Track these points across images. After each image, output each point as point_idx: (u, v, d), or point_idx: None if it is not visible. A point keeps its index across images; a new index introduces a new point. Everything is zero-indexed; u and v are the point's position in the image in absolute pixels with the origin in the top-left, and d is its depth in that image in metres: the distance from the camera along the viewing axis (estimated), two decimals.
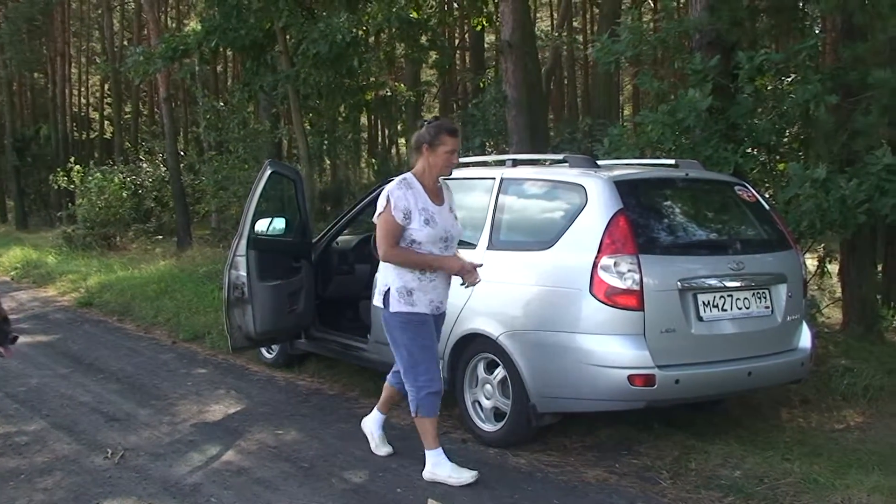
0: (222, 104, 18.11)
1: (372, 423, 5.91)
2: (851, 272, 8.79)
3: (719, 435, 5.83)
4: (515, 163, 6.62)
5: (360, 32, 13.72)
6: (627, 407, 5.49)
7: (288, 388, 7.74)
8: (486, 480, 5.28)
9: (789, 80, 8.10)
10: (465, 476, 5.21)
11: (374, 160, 24.48)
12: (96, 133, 38.90)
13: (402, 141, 29.76)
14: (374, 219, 5.27)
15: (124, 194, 20.29)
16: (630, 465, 5.50)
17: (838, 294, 9.61)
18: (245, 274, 7.11)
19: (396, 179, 5.34)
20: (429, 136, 5.25)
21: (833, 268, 9.82)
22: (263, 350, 8.50)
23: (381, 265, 5.34)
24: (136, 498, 5.03)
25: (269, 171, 7.26)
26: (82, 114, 39.51)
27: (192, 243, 18.01)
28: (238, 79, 22.64)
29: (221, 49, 15.43)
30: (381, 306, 5.31)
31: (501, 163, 6.76)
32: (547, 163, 7.18)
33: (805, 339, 6.07)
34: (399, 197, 5.17)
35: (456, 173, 7.16)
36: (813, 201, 6.89)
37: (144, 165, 22.88)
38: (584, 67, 33.36)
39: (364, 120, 25.90)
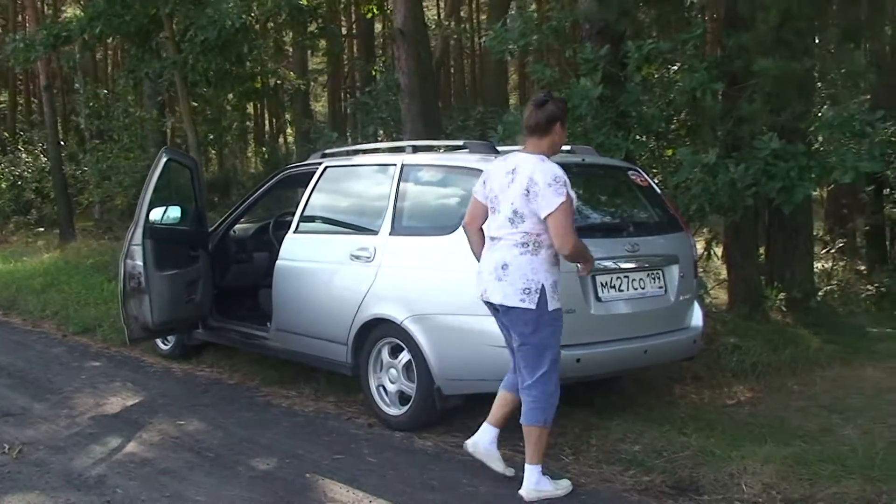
0: (105, 91, 17.64)
1: (488, 443, 5.16)
2: (736, 255, 9.17)
3: (618, 412, 6.02)
4: (415, 149, 6.68)
5: (250, 18, 13.52)
6: None
7: (186, 379, 7.65)
8: (394, 463, 5.35)
9: (676, 68, 8.38)
10: (564, 484, 4.91)
11: (263, 149, 24.20)
12: None
13: (289, 130, 29.51)
14: (546, 211, 4.62)
15: (3, 185, 19.62)
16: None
17: (724, 276, 10.01)
18: (141, 263, 6.97)
19: (545, 161, 4.76)
20: (562, 112, 4.83)
21: (718, 251, 10.23)
22: (159, 341, 8.36)
23: (523, 262, 4.72)
24: (38, 492, 4.91)
25: (164, 159, 7.15)
26: None
27: (75, 235, 17.50)
28: (119, 66, 22.08)
29: (104, 35, 14.94)
30: (533, 307, 4.70)
31: (401, 149, 6.81)
32: (443, 149, 7.26)
33: (697, 317, 6.32)
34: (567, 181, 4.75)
35: (356, 160, 7.26)
36: (702, 185, 7.16)
37: (24, 156, 22.11)
38: (472, 56, 33.66)
39: (250, 109, 25.55)
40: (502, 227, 4.77)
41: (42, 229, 19.71)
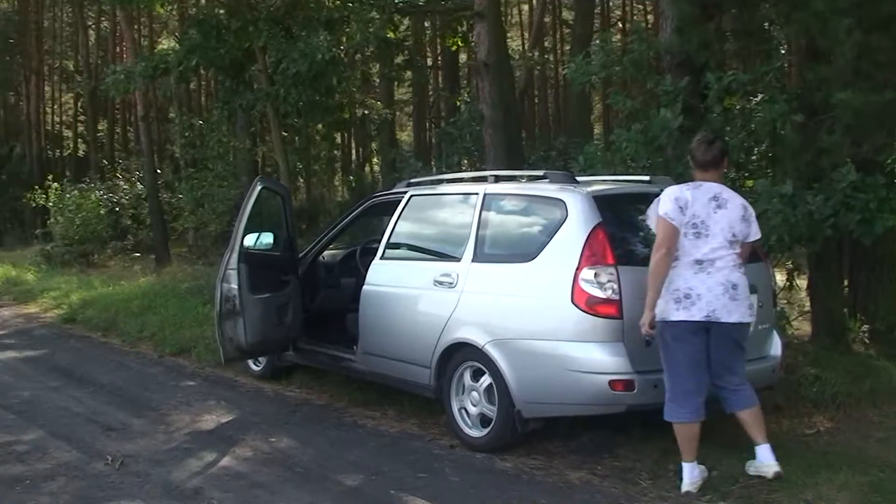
0: (200, 122, 18.31)
1: (766, 457, 5.34)
2: (819, 286, 9.11)
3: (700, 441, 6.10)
4: (497, 179, 6.90)
5: (339, 52, 13.98)
6: (608, 411, 5.74)
7: (277, 399, 7.95)
8: (475, 483, 5.54)
9: (756, 99, 8.43)
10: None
11: (351, 178, 24.72)
12: (69, 151, 38.82)
13: (374, 160, 30.08)
14: (756, 235, 5.47)
15: (102, 212, 20.42)
16: (612, 468, 5.77)
17: (807, 307, 9.95)
18: (236, 287, 7.32)
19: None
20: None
21: (802, 282, 10.17)
22: (251, 363, 8.70)
23: (744, 282, 5.30)
24: (140, 501, 5.25)
25: (259, 187, 7.51)
26: (55, 131, 39.44)
27: (170, 260, 18.17)
28: (213, 96, 22.83)
29: (200, 67, 15.60)
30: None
31: (483, 179, 7.03)
32: (524, 179, 7.46)
33: (776, 347, 6.38)
34: None
35: (440, 189, 7.51)
36: (781, 216, 7.19)
37: (121, 183, 23.00)
38: (555, 86, 33.89)
39: (338, 139, 26.15)
40: (718, 250, 5.21)
41: (138, 255, 20.48)
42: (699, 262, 5.18)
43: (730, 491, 5.22)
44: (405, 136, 35.07)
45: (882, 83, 6.73)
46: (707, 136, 5.55)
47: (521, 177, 7.19)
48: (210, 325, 10.47)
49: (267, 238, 7.84)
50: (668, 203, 5.24)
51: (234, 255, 7.34)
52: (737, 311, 5.19)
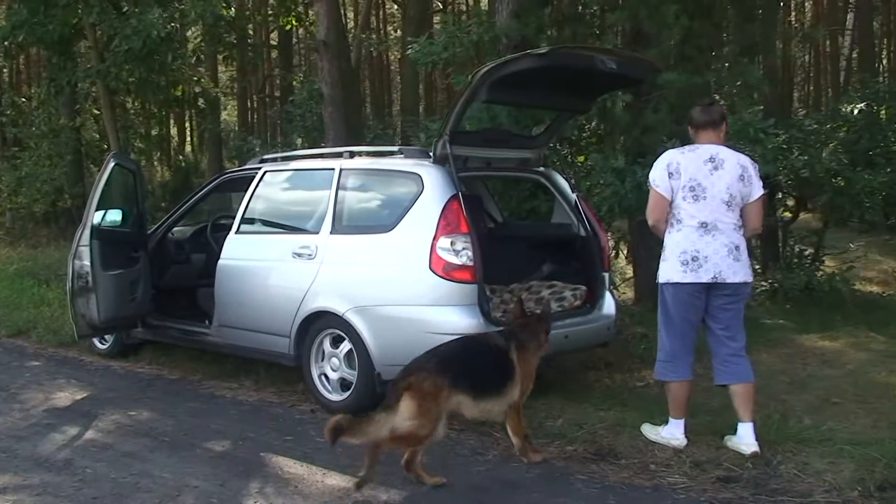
0: (23, 100, 17.63)
1: (747, 436, 5.33)
2: (641, 253, 9.86)
3: (541, 393, 6.53)
4: (352, 154, 7.17)
5: (174, 28, 13.82)
6: None
7: (129, 376, 7.97)
8: (341, 442, 5.80)
9: None
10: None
11: (180, 157, 24.26)
12: None
13: (188, 139, 29.51)
14: (757, 194, 5.31)
15: None
16: (466, 422, 6.11)
17: (630, 275, 10.71)
18: (89, 263, 7.30)
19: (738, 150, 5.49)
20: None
21: (625, 250, 10.93)
22: (97, 341, 8.63)
23: (744, 242, 5.33)
24: (11, 474, 5.26)
25: (112, 164, 7.50)
26: None
27: None
28: (38, 75, 21.94)
29: (27, 44, 15.05)
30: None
31: (339, 155, 7.28)
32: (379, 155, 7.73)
33: (610, 306, 6.97)
34: None
35: (295, 164, 7.71)
36: (612, 188, 7.81)
37: None
38: (381, 66, 34.26)
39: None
40: (717, 212, 5.20)
41: None
42: (703, 224, 5.19)
43: (576, 436, 5.71)
44: (226, 115, 34.57)
45: (703, 65, 7.40)
46: (705, 101, 5.62)
47: (376, 152, 7.47)
48: (48, 306, 10.33)
49: (115, 215, 7.81)
50: (657, 169, 5.32)
51: (87, 232, 7.32)
52: (741, 272, 5.24)
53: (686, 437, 5.43)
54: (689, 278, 5.21)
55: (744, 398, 5.34)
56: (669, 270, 5.29)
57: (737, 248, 5.24)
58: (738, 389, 5.36)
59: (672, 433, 5.44)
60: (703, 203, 5.19)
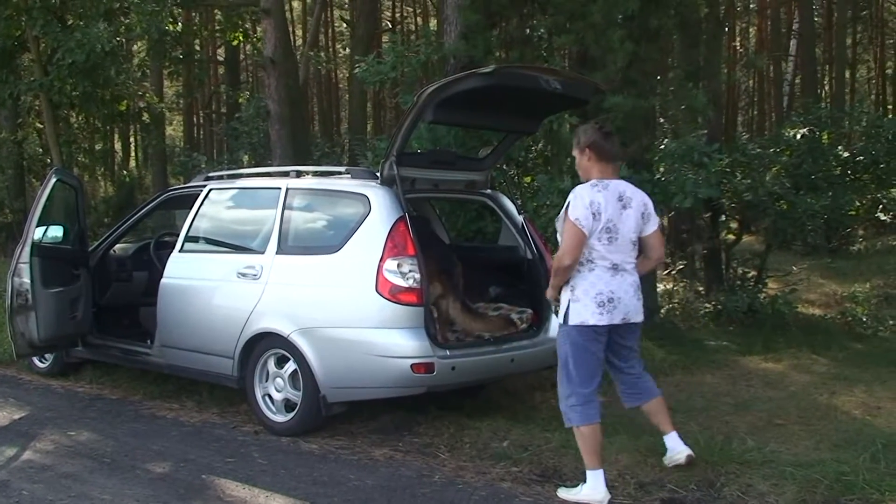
0: None
1: (676, 444, 5.26)
2: None
3: (487, 415, 6.59)
4: (299, 174, 7.13)
5: (119, 42, 13.67)
6: (410, 393, 6.12)
7: (68, 395, 7.82)
8: (284, 464, 5.76)
9: None
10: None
11: (125, 173, 23.95)
12: None
13: (132, 154, 29.15)
14: (653, 227, 5.12)
15: None
16: (412, 444, 6.15)
17: None
18: (28, 281, 7.16)
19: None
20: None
21: None
22: (36, 359, 8.48)
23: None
24: None
25: (54, 179, 7.37)
26: None
27: None
28: None
29: None
30: None
31: (286, 174, 7.24)
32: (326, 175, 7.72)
33: (554, 330, 6.97)
34: None
35: (240, 183, 7.65)
36: (558, 209, 7.84)
37: None
38: (328, 84, 34.25)
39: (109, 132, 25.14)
40: (624, 252, 5.00)
41: None
42: (615, 265, 4.97)
43: (521, 457, 5.72)
44: (171, 130, 34.28)
45: (648, 90, 7.50)
46: (602, 126, 5.24)
47: (323, 172, 7.44)
48: None
49: (56, 231, 7.68)
50: (581, 208, 4.91)
51: (27, 249, 7.17)
52: (641, 310, 5.13)
53: (607, 489, 5.00)
54: (604, 320, 4.94)
55: (658, 412, 5.29)
56: (584, 312, 4.94)
57: (638, 287, 5.12)
58: (651, 407, 5.31)
59: (594, 487, 4.98)
60: (616, 245, 4.96)
